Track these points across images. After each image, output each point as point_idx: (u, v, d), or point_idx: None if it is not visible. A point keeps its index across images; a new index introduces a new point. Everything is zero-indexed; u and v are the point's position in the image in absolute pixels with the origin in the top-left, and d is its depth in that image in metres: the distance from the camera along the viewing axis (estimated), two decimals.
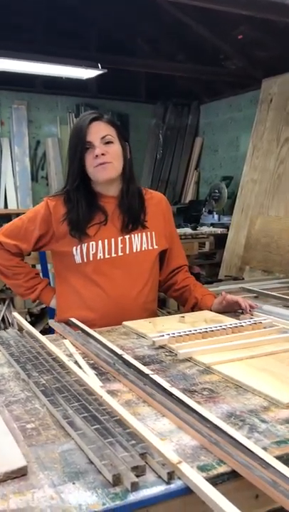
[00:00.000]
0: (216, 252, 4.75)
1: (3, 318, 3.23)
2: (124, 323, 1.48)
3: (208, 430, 0.81)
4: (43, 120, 5.30)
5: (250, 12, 3.02)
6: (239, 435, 0.78)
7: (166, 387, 0.96)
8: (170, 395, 0.94)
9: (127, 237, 1.62)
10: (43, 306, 3.39)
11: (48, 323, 3.19)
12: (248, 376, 1.05)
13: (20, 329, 1.42)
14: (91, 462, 0.73)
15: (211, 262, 4.75)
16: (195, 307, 1.70)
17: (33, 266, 2.96)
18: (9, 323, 3.38)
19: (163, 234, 1.71)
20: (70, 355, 1.19)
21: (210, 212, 5.11)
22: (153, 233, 1.67)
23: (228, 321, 1.47)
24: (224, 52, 4.69)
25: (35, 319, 3.44)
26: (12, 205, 5.05)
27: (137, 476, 0.68)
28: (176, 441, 0.80)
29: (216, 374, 1.09)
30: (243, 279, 3.25)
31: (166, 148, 5.76)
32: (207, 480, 0.68)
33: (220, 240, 4.67)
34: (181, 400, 0.91)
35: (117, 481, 0.67)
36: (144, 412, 0.90)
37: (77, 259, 1.58)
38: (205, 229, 4.24)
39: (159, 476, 0.69)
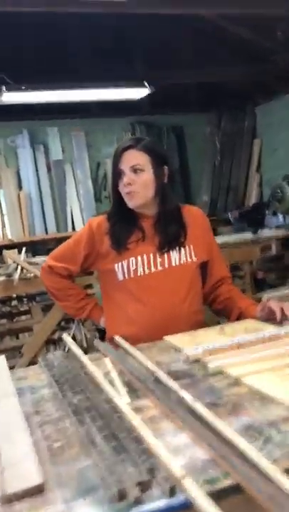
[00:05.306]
0: (285, 254, 4.64)
1: (73, 336, 3.37)
2: (165, 337, 1.52)
3: (220, 443, 0.83)
4: (101, 143, 5.49)
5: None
6: (248, 447, 0.79)
7: (189, 402, 0.99)
8: (193, 409, 0.97)
9: (165, 252, 1.68)
10: None
11: None
12: (275, 386, 1.05)
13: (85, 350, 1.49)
14: (104, 478, 0.77)
15: (280, 265, 4.63)
16: (240, 318, 1.70)
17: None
18: (83, 342, 3.51)
19: (202, 247, 1.74)
20: (107, 374, 1.25)
21: (274, 213, 5.00)
22: (191, 247, 1.71)
23: (270, 329, 1.46)
24: (270, 50, 4.62)
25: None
26: (79, 227, 5.27)
27: (143, 491, 0.72)
28: (189, 456, 0.82)
29: (244, 386, 1.10)
30: None
31: (224, 155, 5.74)
32: (213, 493, 0.71)
33: (287, 242, 4.56)
34: (201, 414, 0.94)
35: (121, 496, 0.71)
36: (165, 427, 0.94)
37: (120, 276, 1.66)
38: (266, 232, 4.16)
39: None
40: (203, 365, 1.25)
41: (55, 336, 3.28)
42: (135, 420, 0.93)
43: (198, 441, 0.86)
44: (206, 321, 1.78)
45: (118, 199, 1.67)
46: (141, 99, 4.97)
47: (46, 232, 5.05)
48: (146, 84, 3.88)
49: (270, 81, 5.21)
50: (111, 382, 1.17)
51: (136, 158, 1.62)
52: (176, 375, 1.21)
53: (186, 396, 1.02)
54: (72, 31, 4.34)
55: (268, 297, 2.11)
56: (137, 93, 4.05)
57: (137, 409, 1.02)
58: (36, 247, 4.80)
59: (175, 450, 0.84)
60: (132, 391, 1.13)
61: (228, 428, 0.87)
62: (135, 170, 1.61)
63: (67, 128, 5.33)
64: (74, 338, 3.36)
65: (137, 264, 1.65)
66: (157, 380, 1.15)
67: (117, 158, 1.64)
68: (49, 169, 5.25)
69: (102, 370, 1.28)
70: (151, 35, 4.94)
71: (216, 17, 4.30)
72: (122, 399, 1.06)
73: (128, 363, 1.30)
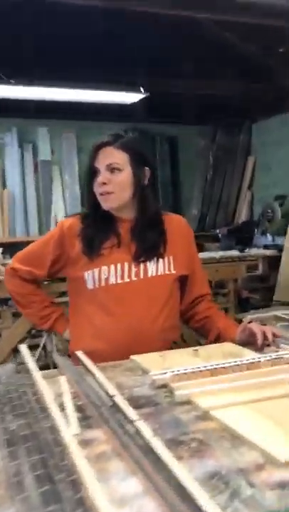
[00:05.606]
0: (271, 275, 4.52)
1: (44, 346, 3.19)
2: (132, 357, 1.36)
3: (176, 496, 0.67)
4: None
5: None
6: (211, 503, 0.64)
7: (147, 438, 0.84)
8: (150, 447, 0.82)
9: (141, 262, 1.53)
10: None
11: None
12: (248, 424, 0.90)
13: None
14: None
15: (265, 285, 4.51)
16: (218, 338, 1.56)
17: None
18: (53, 353, 3.33)
19: (182, 259, 1.60)
20: (60, 395, 1.09)
21: (263, 233, 4.89)
22: (171, 258, 1.56)
23: (249, 354, 1.32)
24: (273, 67, 4.55)
25: None
26: None
27: None
28: (136, 510, 0.67)
29: (214, 421, 0.95)
30: None
31: (217, 169, 5.64)
32: None
33: (275, 262, 4.45)
34: (158, 454, 0.78)
35: None
36: (114, 468, 0.78)
37: (89, 284, 1.51)
38: (254, 251, 4.04)
39: None
40: (170, 391, 1.10)
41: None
42: (79, 458, 0.77)
43: (151, 491, 0.71)
44: (185, 339, 1.64)
45: (93, 200, 1.53)
46: (136, 105, 4.86)
47: (28, 234, 4.89)
48: (141, 89, 3.76)
49: (269, 99, 5.13)
50: (61, 406, 1.01)
51: (113, 156, 1.48)
52: (137, 402, 1.05)
53: (145, 429, 0.87)
54: (71, 30, 4.22)
55: (250, 318, 1.98)
56: (131, 97, 3.93)
57: (85, 443, 0.86)
58: (15, 249, 4.58)
59: (121, 501, 0.69)
60: (84, 419, 0.97)
61: (188, 475, 0.71)
62: (112, 169, 1.47)
63: (59, 129, 5.19)
64: (44, 348, 3.18)
65: (109, 273, 1.50)
66: (115, 407, 1.00)
67: (92, 154, 1.49)
68: (36, 170, 5.10)
69: (55, 390, 1.12)
70: (152, 42, 4.85)
71: (220, 30, 4.21)
72: (69, 428, 0.90)
73: (86, 383, 1.14)
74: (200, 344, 1.69)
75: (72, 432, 0.89)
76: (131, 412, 0.94)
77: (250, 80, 4.72)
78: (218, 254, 3.86)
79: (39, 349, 3.19)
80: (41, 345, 3.16)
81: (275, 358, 1.23)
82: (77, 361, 1.36)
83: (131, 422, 0.91)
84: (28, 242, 1.68)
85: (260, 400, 1.01)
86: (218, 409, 0.97)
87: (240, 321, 1.75)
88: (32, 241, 1.67)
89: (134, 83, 4.01)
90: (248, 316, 2.32)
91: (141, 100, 4.44)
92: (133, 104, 4.53)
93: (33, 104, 4.64)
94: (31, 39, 3.67)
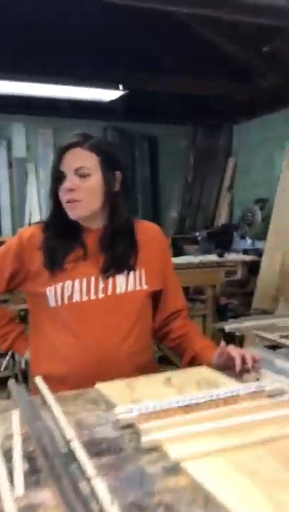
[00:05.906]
0: (250, 279, 4.43)
1: (12, 355, 3.02)
2: (97, 385, 1.22)
3: None
4: None
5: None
6: None
7: (103, 505, 0.70)
8: None
9: (109, 276, 1.38)
10: None
11: None
12: (225, 482, 0.77)
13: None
14: None
15: (244, 290, 4.42)
16: (194, 360, 1.43)
17: None
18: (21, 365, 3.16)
19: (156, 272, 1.46)
20: (10, 437, 0.94)
21: (243, 236, 4.80)
22: (142, 271, 1.42)
23: (227, 384, 1.19)
24: (257, 69, 4.45)
25: None
26: None
27: None
28: None
29: (184, 476, 0.81)
30: (272, 313, 2.92)
31: (197, 171, 5.52)
32: None
33: (254, 267, 4.36)
34: None
35: None
36: None
37: (51, 302, 1.36)
38: (233, 256, 3.94)
39: None
40: (136, 433, 0.96)
41: None
42: None
43: None
44: (166, 354, 1.49)
45: (57, 207, 1.38)
46: (116, 104, 4.70)
47: (0, 234, 4.71)
48: (120, 86, 3.61)
49: (252, 100, 5.03)
50: (7, 454, 0.86)
51: (82, 159, 1.32)
52: (98, 447, 0.91)
53: (102, 491, 0.73)
54: (47, 25, 4.05)
55: (229, 328, 1.86)
56: (110, 94, 3.78)
57: (30, 510, 0.71)
58: None
59: None
60: (33, 472, 0.82)
61: None
62: (80, 174, 1.32)
63: (35, 125, 5.01)
64: (13, 356, 3.02)
65: (73, 289, 1.34)
66: (70, 455, 0.85)
67: (58, 157, 1.34)
68: (10, 166, 4.90)
69: (5, 430, 0.97)
70: (133, 38, 4.70)
71: (203, 28, 4.08)
72: (12, 488, 0.76)
73: (40, 422, 0.99)
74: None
75: (15, 492, 0.74)
76: (88, 465, 0.80)
77: (233, 80, 4.61)
78: (196, 259, 3.74)
79: (7, 357, 3.03)
80: (9, 353, 3.00)
81: (255, 391, 1.10)
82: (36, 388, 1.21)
83: (87, 478, 0.77)
84: (1, 243, 1.54)
85: (240, 448, 0.88)
86: (191, 460, 0.84)
87: (218, 331, 1.62)
88: (5, 241, 1.51)
89: (112, 80, 3.85)
90: (226, 327, 2.20)
91: (120, 98, 4.29)
92: (112, 102, 4.38)
93: (9, 99, 4.45)
94: (5, 33, 3.48)
